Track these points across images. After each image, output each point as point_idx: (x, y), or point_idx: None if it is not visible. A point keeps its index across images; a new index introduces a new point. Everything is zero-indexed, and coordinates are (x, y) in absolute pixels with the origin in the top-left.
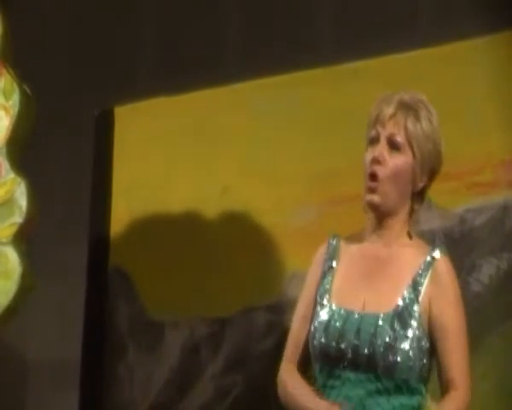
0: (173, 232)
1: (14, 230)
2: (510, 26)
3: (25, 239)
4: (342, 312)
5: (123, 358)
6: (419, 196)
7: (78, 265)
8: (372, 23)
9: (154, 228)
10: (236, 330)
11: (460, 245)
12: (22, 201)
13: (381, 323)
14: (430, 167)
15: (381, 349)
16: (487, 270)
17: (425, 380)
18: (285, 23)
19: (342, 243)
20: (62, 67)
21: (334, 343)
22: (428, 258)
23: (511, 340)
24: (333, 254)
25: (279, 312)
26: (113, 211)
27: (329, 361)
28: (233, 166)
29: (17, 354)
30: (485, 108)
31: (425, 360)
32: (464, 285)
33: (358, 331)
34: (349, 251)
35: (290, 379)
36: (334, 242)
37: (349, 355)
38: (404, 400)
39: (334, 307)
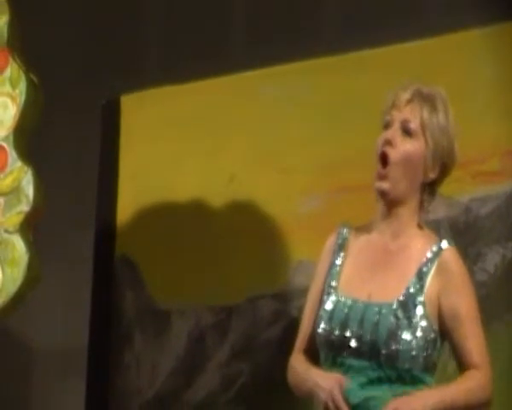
0: (180, 221)
1: (21, 218)
2: None
3: (32, 228)
4: (347, 301)
5: (129, 346)
6: (430, 188)
7: (85, 253)
8: (377, 12)
9: (161, 217)
10: (242, 319)
11: (465, 234)
12: (29, 189)
13: (384, 312)
14: (442, 161)
15: (384, 338)
16: (492, 259)
17: (431, 370)
18: (292, 11)
19: (352, 233)
20: (69, 56)
21: (337, 331)
22: (434, 248)
23: None
24: (342, 245)
25: (285, 300)
26: (120, 200)
27: (333, 349)
28: (240, 154)
29: (24, 342)
30: (492, 98)
31: (430, 351)
32: (469, 274)
33: (362, 320)
34: (358, 242)
35: (299, 364)
36: (344, 231)
37: (352, 343)
38: (406, 389)
39: (339, 297)
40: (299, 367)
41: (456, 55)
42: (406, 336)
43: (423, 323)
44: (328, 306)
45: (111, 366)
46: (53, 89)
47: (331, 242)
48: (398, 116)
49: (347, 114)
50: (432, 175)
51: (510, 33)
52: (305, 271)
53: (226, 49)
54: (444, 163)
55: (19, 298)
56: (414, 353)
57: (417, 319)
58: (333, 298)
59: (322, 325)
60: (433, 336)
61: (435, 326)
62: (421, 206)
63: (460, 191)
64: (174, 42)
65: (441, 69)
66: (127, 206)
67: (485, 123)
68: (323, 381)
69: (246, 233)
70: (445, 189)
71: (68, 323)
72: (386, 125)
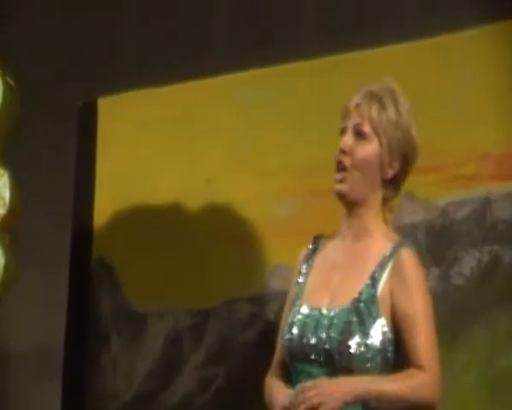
0: (157, 223)
1: None
2: (501, 18)
3: (8, 230)
4: (307, 310)
5: (106, 348)
6: (392, 183)
7: (62, 255)
8: (355, 15)
9: (138, 219)
10: (219, 322)
11: (442, 238)
12: (5, 192)
13: (336, 317)
14: (401, 154)
15: (335, 343)
16: (469, 263)
17: (394, 371)
18: (271, 15)
19: (321, 243)
20: (46, 59)
21: (297, 341)
22: (391, 249)
23: (493, 332)
24: (310, 255)
25: (262, 303)
26: (97, 202)
27: (294, 359)
28: (217, 157)
29: (0, 344)
30: (469, 101)
31: (390, 350)
32: (446, 278)
33: (317, 327)
34: (324, 250)
35: (269, 381)
36: (314, 242)
37: (310, 351)
38: None
39: (302, 307)
40: (268, 384)
41: (434, 59)
42: (359, 339)
43: (378, 323)
44: (291, 317)
45: (87, 368)
46: (29, 92)
47: (301, 254)
48: (349, 122)
49: (324, 117)
50: (391, 171)
51: (489, 38)
52: (281, 274)
53: (204, 52)
54: (404, 155)
55: None
56: (369, 355)
57: (371, 320)
58: (296, 309)
59: (285, 336)
60: (390, 336)
61: (391, 326)
62: (385, 203)
63: (436, 195)
64: (151, 44)
65: (418, 73)
66: (104, 208)
67: (462, 127)
68: (279, 398)
69: (223, 236)
70: (421, 192)
71: (45, 325)
72: (341, 132)
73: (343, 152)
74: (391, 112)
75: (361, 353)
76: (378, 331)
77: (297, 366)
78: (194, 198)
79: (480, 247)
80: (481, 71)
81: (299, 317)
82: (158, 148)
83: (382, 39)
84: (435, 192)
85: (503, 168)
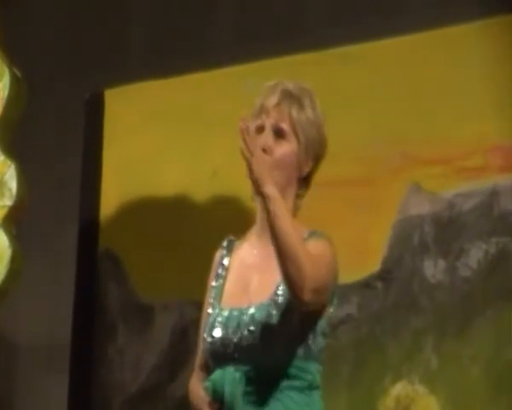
0: (163, 215)
1: (3, 212)
2: (502, 12)
3: (15, 222)
4: (227, 312)
5: (113, 340)
6: (304, 181)
7: (68, 247)
8: (364, 7)
9: (144, 211)
10: None
11: (449, 230)
12: (12, 183)
13: (257, 313)
14: (315, 153)
15: (258, 338)
16: (476, 254)
17: (315, 358)
18: (277, 6)
19: (235, 245)
20: (53, 51)
21: (220, 343)
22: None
23: (499, 324)
24: (225, 256)
25: None
26: (103, 194)
27: (219, 360)
28: (224, 149)
29: (7, 337)
30: (476, 93)
31: (311, 338)
32: (452, 270)
33: (239, 326)
34: (239, 251)
35: (192, 386)
36: (228, 244)
37: (234, 351)
38: (292, 382)
39: (222, 309)
40: (193, 389)
41: (441, 51)
42: (280, 332)
43: (288, 316)
44: (211, 320)
45: (94, 360)
46: (36, 83)
47: (217, 256)
48: (268, 121)
49: (331, 108)
50: (306, 169)
51: (496, 30)
52: None
53: (210, 43)
54: (316, 153)
55: (1, 293)
56: (284, 348)
57: (281, 314)
58: (216, 311)
59: (207, 339)
60: (308, 323)
61: (309, 314)
62: (296, 198)
63: (444, 187)
64: (158, 36)
65: (425, 65)
66: (111, 200)
67: (470, 119)
68: (200, 405)
69: (229, 227)
70: (428, 184)
71: (52, 317)
72: (258, 130)
73: (263, 151)
74: (309, 112)
75: (276, 346)
76: (293, 321)
77: (221, 367)
78: (201, 190)
79: (487, 239)
80: (489, 63)
81: (220, 319)
82: (164, 140)
83: (389, 31)
84: (442, 184)
85: (510, 160)
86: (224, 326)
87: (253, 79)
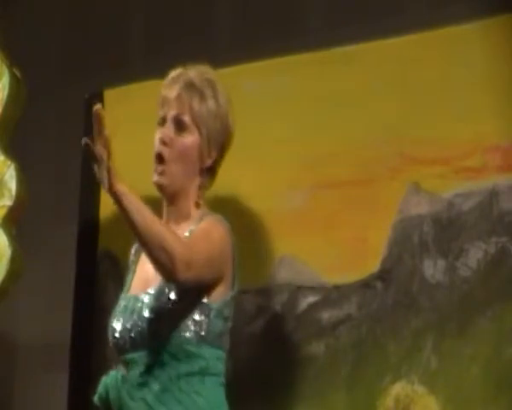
0: (162, 216)
1: (3, 213)
2: (502, 12)
3: (14, 222)
4: (124, 301)
5: None
6: (209, 171)
7: (68, 248)
8: (363, 7)
9: None
10: None
11: (448, 230)
12: (12, 183)
13: (149, 299)
14: (218, 144)
15: (145, 325)
16: (475, 255)
17: (213, 341)
18: (275, 6)
19: None
20: (52, 50)
21: (117, 332)
22: (195, 222)
23: (499, 323)
24: (137, 249)
25: (268, 296)
26: (103, 195)
27: (122, 351)
28: None
29: (7, 337)
30: (475, 93)
31: (203, 321)
32: (452, 270)
33: (132, 313)
34: None
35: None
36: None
37: (127, 338)
38: (182, 367)
39: (121, 299)
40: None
41: (441, 51)
42: (161, 317)
43: (181, 300)
44: (114, 312)
45: (94, 360)
46: (36, 83)
47: (132, 249)
48: (169, 113)
49: (332, 109)
50: (209, 160)
51: (494, 30)
52: (288, 266)
53: (210, 42)
54: (219, 144)
55: (1, 293)
56: (177, 333)
57: (172, 298)
58: (118, 302)
59: (108, 333)
60: (197, 304)
61: (200, 296)
62: (200, 189)
63: (443, 187)
64: (158, 36)
65: (424, 64)
66: (110, 201)
67: (469, 119)
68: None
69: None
70: (428, 184)
71: (51, 317)
72: (160, 122)
73: (163, 143)
74: (211, 103)
75: (169, 331)
76: (181, 303)
77: (125, 357)
78: None
79: (487, 239)
80: (488, 63)
81: (119, 309)
82: None
83: (389, 31)
84: (441, 184)
85: (510, 160)
86: (121, 316)
87: (254, 79)
